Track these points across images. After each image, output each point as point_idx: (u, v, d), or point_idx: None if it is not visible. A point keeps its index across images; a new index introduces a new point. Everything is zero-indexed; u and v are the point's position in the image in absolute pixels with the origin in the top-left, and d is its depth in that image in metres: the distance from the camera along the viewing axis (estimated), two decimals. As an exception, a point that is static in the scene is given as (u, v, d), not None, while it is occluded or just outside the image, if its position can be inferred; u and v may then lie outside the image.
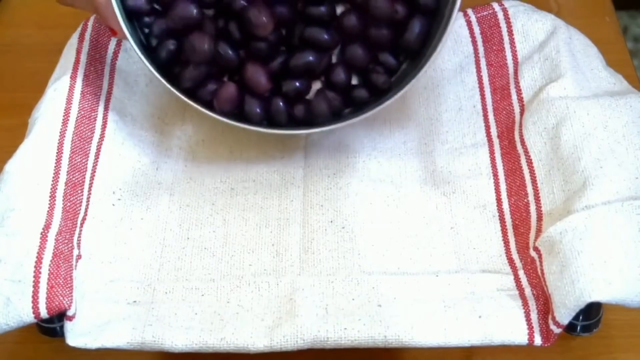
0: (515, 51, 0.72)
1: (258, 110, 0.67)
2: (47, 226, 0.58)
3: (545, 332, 0.55)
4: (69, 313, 0.56)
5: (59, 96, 0.66)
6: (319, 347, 0.55)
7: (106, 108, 0.70)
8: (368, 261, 0.63)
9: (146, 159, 0.71)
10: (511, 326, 0.56)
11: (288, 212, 0.67)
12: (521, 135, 0.67)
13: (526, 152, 0.66)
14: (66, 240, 0.59)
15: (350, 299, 0.59)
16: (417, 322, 0.56)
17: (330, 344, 0.55)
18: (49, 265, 0.56)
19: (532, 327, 0.56)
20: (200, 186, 0.69)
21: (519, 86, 0.70)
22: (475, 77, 0.74)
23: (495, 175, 0.68)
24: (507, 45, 0.72)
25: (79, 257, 0.60)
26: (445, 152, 0.71)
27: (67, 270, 0.57)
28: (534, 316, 0.56)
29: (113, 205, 0.66)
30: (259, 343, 0.55)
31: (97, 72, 0.70)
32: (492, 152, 0.69)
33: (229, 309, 0.59)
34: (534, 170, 0.65)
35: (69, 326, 0.56)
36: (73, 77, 0.67)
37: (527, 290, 0.58)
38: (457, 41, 0.75)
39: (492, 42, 0.73)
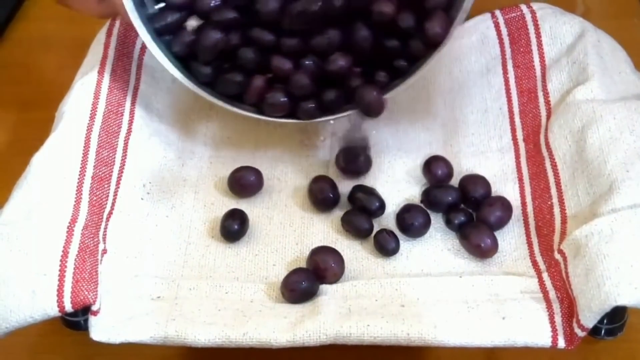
0: (543, 54, 0.72)
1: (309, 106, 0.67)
2: (73, 220, 0.59)
3: (569, 335, 0.55)
4: (94, 308, 0.56)
5: (87, 91, 0.67)
6: (341, 343, 0.55)
7: (133, 103, 0.70)
8: (391, 263, 0.64)
9: (172, 154, 0.72)
10: (535, 328, 0.55)
11: (312, 212, 0.68)
12: (546, 138, 0.67)
13: (551, 155, 0.66)
14: (92, 235, 0.59)
15: (373, 300, 0.59)
16: (441, 321, 0.55)
17: (352, 339, 0.55)
18: (75, 260, 0.56)
19: (556, 329, 0.55)
20: (224, 184, 0.70)
21: (547, 89, 0.70)
22: (502, 79, 0.74)
23: (520, 180, 0.68)
24: (534, 48, 0.72)
25: (104, 251, 0.60)
26: (471, 154, 0.71)
27: (92, 264, 0.57)
28: (557, 319, 0.56)
29: (142, 199, 0.67)
30: (281, 338, 0.55)
31: (125, 67, 0.71)
32: (517, 157, 0.70)
33: (253, 307, 0.59)
34: (558, 173, 0.65)
35: (93, 321, 0.56)
36: (100, 72, 0.68)
37: (552, 293, 0.58)
38: (484, 42, 0.75)
39: (520, 44, 0.73)
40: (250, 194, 0.69)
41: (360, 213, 0.66)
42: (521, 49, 0.73)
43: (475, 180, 0.68)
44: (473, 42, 0.75)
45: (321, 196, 0.68)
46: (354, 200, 0.67)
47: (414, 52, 0.65)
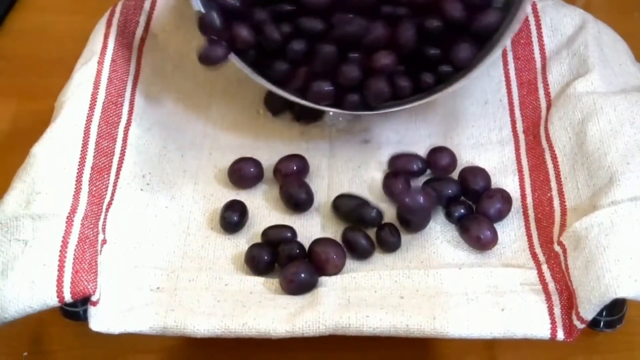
0: (543, 45, 0.72)
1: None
2: (73, 210, 0.59)
3: (568, 327, 0.55)
4: (93, 298, 0.56)
5: (86, 80, 0.66)
6: (340, 334, 0.55)
7: (133, 94, 0.70)
8: (391, 255, 0.64)
9: (172, 145, 0.71)
10: (534, 320, 0.55)
11: (312, 204, 0.68)
12: (546, 130, 0.67)
13: (551, 147, 0.66)
14: (92, 225, 0.59)
15: (372, 291, 0.59)
16: (440, 313, 0.55)
17: (351, 330, 0.55)
18: (75, 250, 0.56)
19: (555, 321, 0.55)
20: (224, 175, 0.70)
21: (547, 81, 0.70)
22: (502, 70, 0.74)
23: (520, 172, 0.68)
24: (534, 40, 0.72)
25: (104, 242, 0.60)
26: (471, 147, 0.71)
27: (92, 255, 0.57)
28: (557, 311, 0.56)
29: (141, 190, 0.67)
30: (280, 328, 0.55)
31: (124, 57, 0.70)
32: (517, 149, 0.70)
33: (252, 298, 0.59)
34: (558, 166, 0.65)
35: (92, 311, 0.56)
36: (100, 62, 0.68)
37: (551, 285, 0.58)
38: None
39: (520, 36, 0.73)
40: (250, 185, 0.69)
41: (360, 231, 0.65)
42: (521, 41, 0.73)
43: (475, 172, 0.68)
44: None
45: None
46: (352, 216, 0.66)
47: (458, 61, 0.65)
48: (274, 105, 0.74)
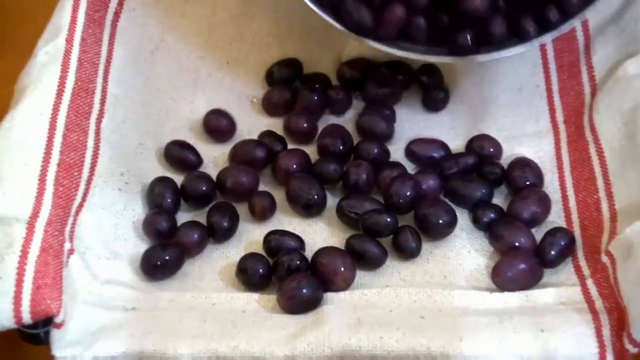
0: (586, 21, 0.70)
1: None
2: (34, 214, 0.56)
3: (619, 351, 0.53)
4: (57, 320, 0.53)
5: (53, 61, 0.64)
6: (349, 358, 0.54)
7: (105, 79, 0.68)
8: (409, 267, 0.62)
9: (149, 141, 0.70)
10: (579, 343, 0.53)
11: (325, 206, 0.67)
12: (591, 120, 0.66)
13: (596, 139, 0.65)
14: (57, 232, 0.57)
15: (387, 310, 0.57)
16: (467, 334, 0.53)
17: (362, 354, 0.53)
18: (36, 262, 0.54)
19: (604, 344, 0.53)
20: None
21: (591, 62, 0.69)
22: (538, 51, 0.72)
23: (560, 169, 0.67)
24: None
25: (71, 251, 0.57)
26: (503, 140, 0.70)
27: (56, 267, 0.55)
28: (605, 332, 0.54)
29: (119, 189, 0.65)
30: (278, 351, 0.53)
31: (96, 35, 0.69)
32: (557, 142, 0.69)
33: (245, 317, 0.57)
34: (605, 161, 0.64)
35: (56, 334, 0.54)
36: (69, 40, 0.66)
37: (598, 303, 0.56)
38: None
39: None
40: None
41: (370, 239, 0.63)
42: None
43: (523, 165, 0.66)
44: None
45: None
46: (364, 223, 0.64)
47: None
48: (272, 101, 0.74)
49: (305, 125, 0.70)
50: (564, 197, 0.65)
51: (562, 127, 0.69)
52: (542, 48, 0.72)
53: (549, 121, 0.70)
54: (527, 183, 0.65)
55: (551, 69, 0.71)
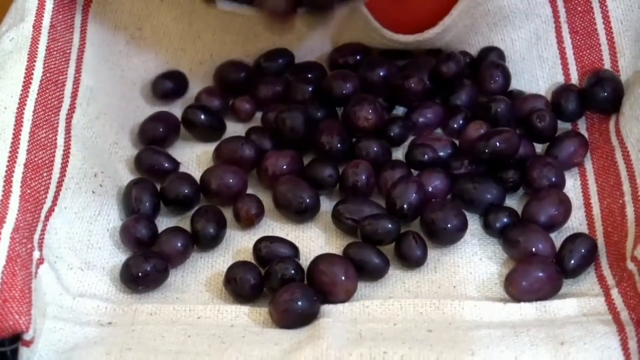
0: (607, 12, 0.69)
1: None
2: (0, 220, 0.55)
3: None
4: (26, 337, 0.52)
5: (19, 49, 0.63)
6: None
7: (78, 70, 0.67)
8: (414, 276, 0.61)
9: (125, 139, 0.69)
10: (603, 356, 0.52)
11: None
12: (617, 124, 0.66)
13: (622, 143, 0.64)
14: (24, 239, 0.55)
15: (391, 324, 0.56)
16: (480, 348, 0.52)
17: None
18: (2, 273, 0.53)
19: (630, 357, 0.52)
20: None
21: (616, 61, 0.69)
22: (557, 49, 0.72)
23: (583, 175, 0.67)
24: (595, 4, 0.69)
25: (40, 261, 0.56)
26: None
27: (24, 279, 0.53)
28: (632, 345, 0.52)
29: (93, 192, 0.64)
30: None
31: (67, 22, 0.68)
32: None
33: (233, 332, 0.56)
34: (632, 165, 0.63)
35: (25, 353, 0.52)
36: (37, 27, 0.64)
37: (624, 314, 0.55)
38: (529, 2, 0.71)
39: (577, 2, 0.70)
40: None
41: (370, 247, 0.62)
42: (579, 8, 0.71)
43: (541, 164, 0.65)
44: (516, 3, 0.72)
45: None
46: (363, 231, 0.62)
47: None
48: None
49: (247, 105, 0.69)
50: (587, 204, 0.65)
51: (584, 134, 0.68)
52: (560, 45, 0.71)
53: (570, 127, 0.69)
54: (548, 184, 0.64)
55: (571, 70, 0.71)
